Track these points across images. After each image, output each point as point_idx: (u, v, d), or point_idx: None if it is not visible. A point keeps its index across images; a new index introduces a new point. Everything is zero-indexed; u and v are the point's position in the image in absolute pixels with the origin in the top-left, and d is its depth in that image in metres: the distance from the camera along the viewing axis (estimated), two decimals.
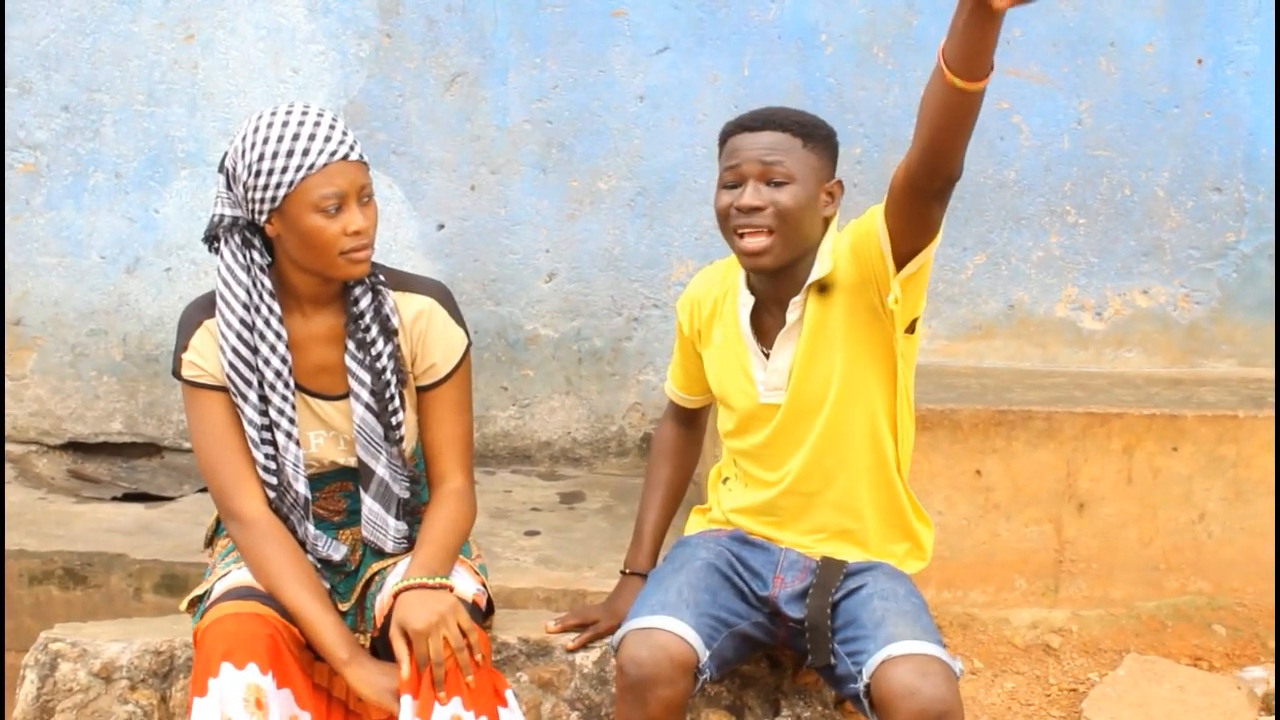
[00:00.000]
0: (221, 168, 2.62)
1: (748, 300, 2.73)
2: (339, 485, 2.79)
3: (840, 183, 2.67)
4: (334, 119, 2.59)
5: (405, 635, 2.51)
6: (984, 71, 2.25)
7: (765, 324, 2.72)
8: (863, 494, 2.74)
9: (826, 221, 2.67)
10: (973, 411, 3.75)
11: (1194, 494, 3.80)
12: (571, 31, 4.25)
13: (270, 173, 2.54)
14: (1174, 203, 4.32)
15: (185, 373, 2.68)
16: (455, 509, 2.75)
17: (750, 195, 2.59)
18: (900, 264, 2.51)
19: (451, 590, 2.61)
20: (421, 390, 2.78)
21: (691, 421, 3.05)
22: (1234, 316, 4.38)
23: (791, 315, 2.67)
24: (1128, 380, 4.20)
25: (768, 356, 2.71)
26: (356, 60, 4.27)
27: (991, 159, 4.27)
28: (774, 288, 2.69)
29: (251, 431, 2.66)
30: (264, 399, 2.66)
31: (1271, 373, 4.32)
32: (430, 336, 2.75)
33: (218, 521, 2.91)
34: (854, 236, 2.61)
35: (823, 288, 2.65)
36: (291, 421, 2.67)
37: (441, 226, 4.35)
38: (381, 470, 2.73)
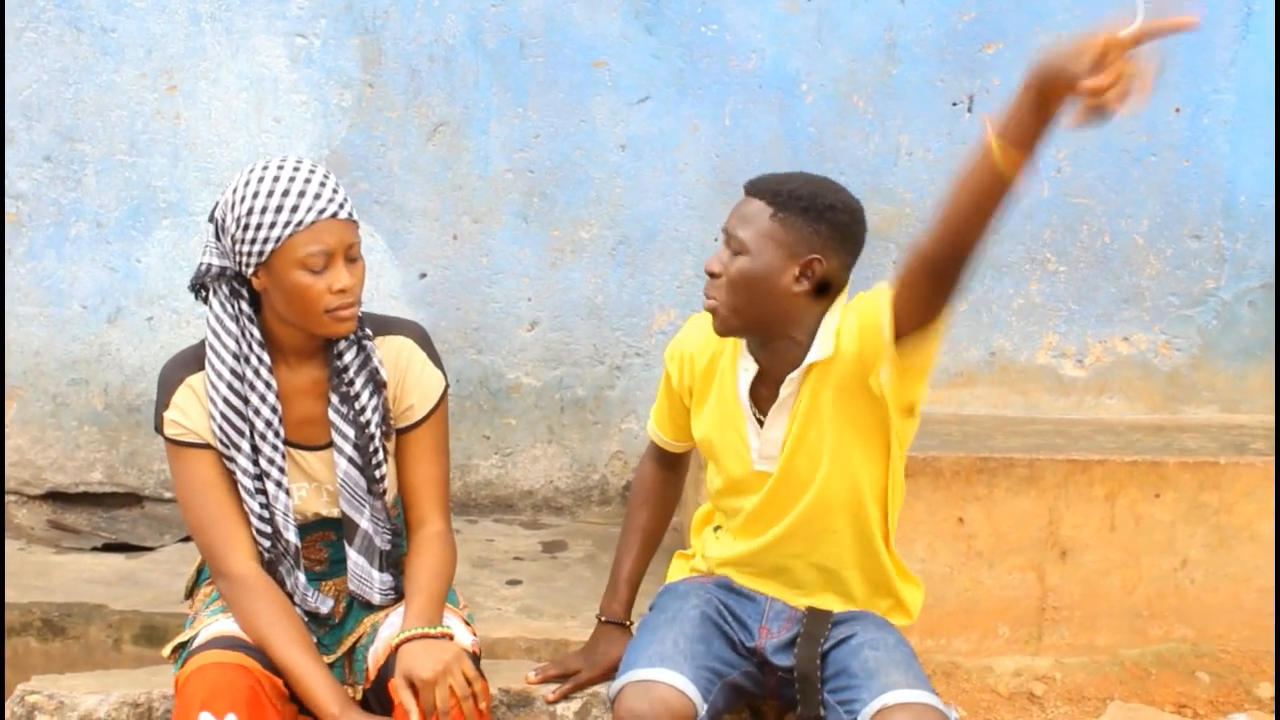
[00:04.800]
0: (211, 217, 2.63)
1: (750, 366, 2.69)
2: (321, 535, 2.79)
3: (818, 260, 2.55)
4: (325, 175, 2.58)
5: (411, 685, 2.51)
6: (1032, 145, 2.20)
7: (762, 392, 2.69)
8: (846, 558, 2.74)
9: (802, 297, 2.58)
10: (955, 459, 3.75)
11: (1176, 541, 3.80)
12: (553, 81, 4.27)
13: (258, 227, 2.53)
14: (1153, 250, 4.34)
15: (168, 431, 2.67)
16: (438, 554, 2.75)
17: (712, 260, 2.59)
18: (899, 338, 2.47)
19: (453, 638, 2.61)
20: (400, 432, 2.78)
21: (674, 465, 3.03)
22: (1214, 363, 4.40)
23: (785, 390, 2.64)
24: (1109, 427, 4.21)
25: (762, 424, 2.69)
26: (339, 110, 4.28)
27: None
28: (769, 358, 2.66)
29: (246, 481, 2.65)
30: (255, 449, 2.65)
31: (1251, 419, 4.34)
32: (408, 378, 2.75)
33: (198, 572, 2.90)
34: (861, 312, 2.56)
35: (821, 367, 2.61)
36: (281, 471, 2.66)
37: (424, 275, 4.35)
38: (365, 524, 2.73)
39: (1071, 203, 4.31)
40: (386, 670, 2.59)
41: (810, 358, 2.60)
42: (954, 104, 4.25)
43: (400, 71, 4.26)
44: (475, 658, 2.68)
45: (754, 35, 4.24)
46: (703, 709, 2.58)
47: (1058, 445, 3.91)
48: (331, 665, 2.74)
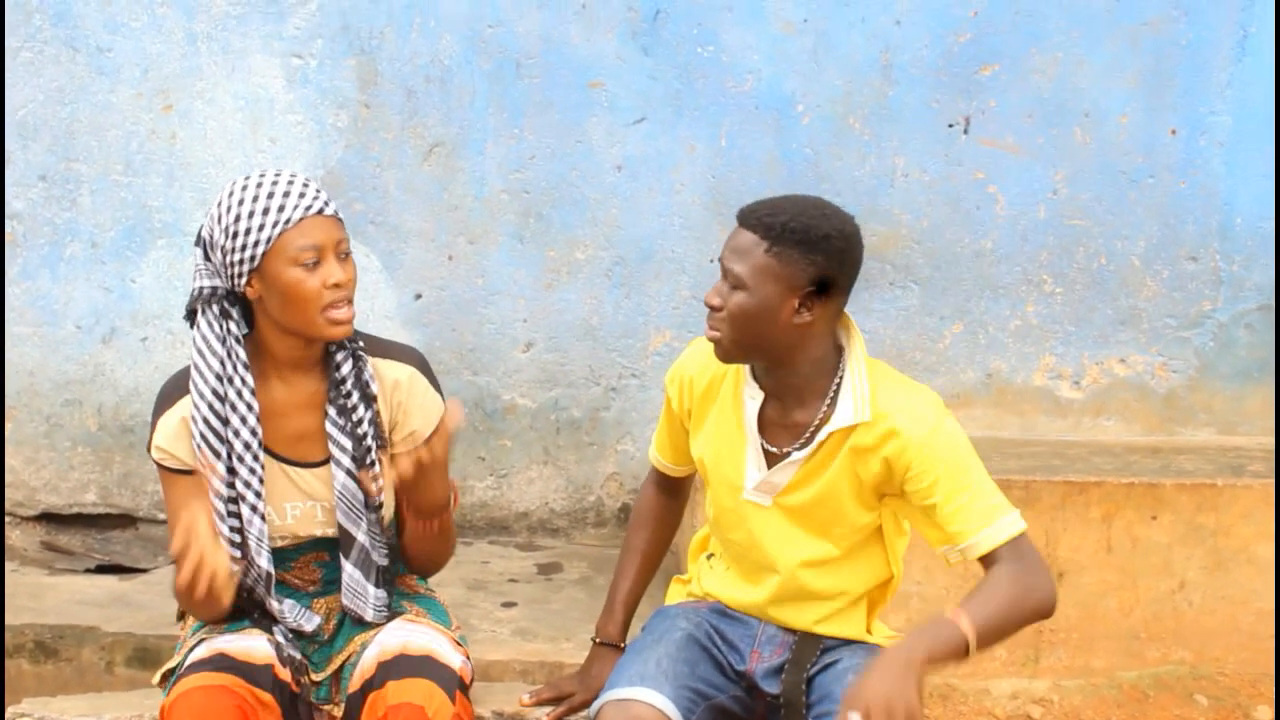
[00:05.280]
0: (198, 241, 2.63)
1: (756, 394, 2.64)
2: (314, 555, 2.78)
3: (813, 294, 2.50)
4: (306, 180, 2.61)
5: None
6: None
7: (765, 416, 2.65)
8: (832, 620, 2.75)
9: (805, 327, 2.53)
10: None
11: (1174, 563, 3.79)
12: (549, 102, 4.27)
13: (248, 232, 2.54)
14: (1150, 272, 4.34)
15: (154, 454, 2.70)
16: None
17: (711, 294, 2.54)
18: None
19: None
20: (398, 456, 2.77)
21: (674, 490, 3.00)
22: (1211, 385, 4.39)
23: (799, 454, 2.61)
24: (1106, 449, 4.19)
25: (765, 453, 2.66)
26: (335, 130, 4.27)
27: (968, 228, 4.29)
28: (774, 384, 2.63)
29: (219, 504, 2.64)
30: (232, 470, 2.64)
31: (1249, 441, 4.33)
32: (411, 405, 2.75)
33: None
34: (891, 466, 2.60)
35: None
36: (258, 495, 2.65)
37: (419, 296, 4.34)
38: (362, 537, 2.73)
39: (1068, 224, 4.31)
40: (370, 684, 2.61)
41: (832, 425, 2.57)
42: (950, 125, 4.24)
43: (396, 92, 4.26)
44: (463, 682, 2.67)
45: (750, 56, 4.24)
46: None
47: (1054, 467, 3.90)
48: (319, 683, 2.75)
